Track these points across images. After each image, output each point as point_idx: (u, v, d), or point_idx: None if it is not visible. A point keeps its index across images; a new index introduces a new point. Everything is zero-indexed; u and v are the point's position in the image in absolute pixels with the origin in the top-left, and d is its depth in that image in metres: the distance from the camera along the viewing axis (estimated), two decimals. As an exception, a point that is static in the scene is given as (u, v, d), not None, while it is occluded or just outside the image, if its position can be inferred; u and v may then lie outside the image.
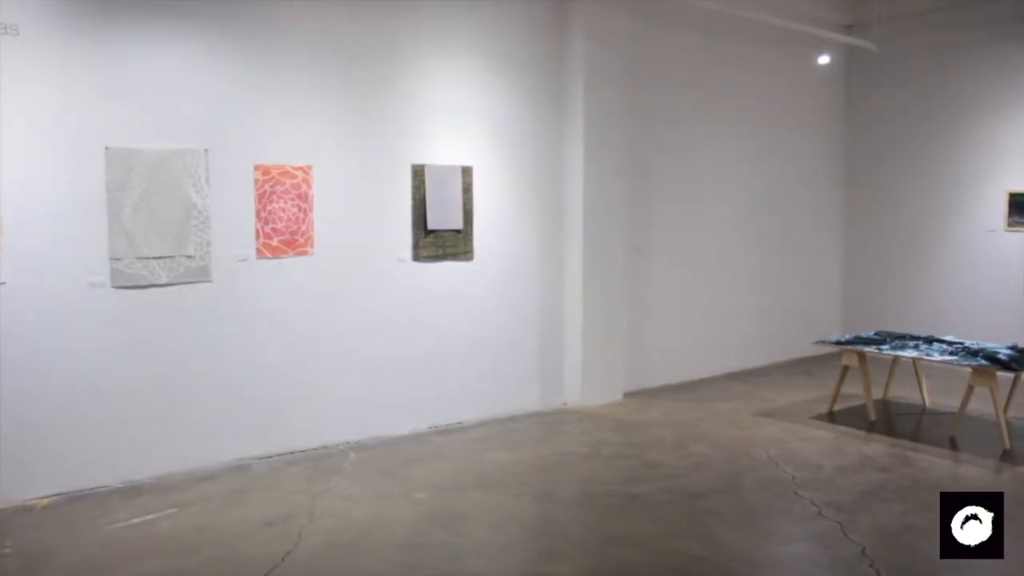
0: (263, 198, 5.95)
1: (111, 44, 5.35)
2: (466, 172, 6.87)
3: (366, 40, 6.34)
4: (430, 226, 6.68)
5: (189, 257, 5.67)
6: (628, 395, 7.85)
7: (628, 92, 7.65)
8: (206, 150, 5.69)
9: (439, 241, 6.76)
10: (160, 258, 5.57)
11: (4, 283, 5.05)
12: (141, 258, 5.49)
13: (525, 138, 7.24)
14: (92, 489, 5.33)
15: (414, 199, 6.62)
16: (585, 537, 4.74)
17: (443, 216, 6.74)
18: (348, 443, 6.32)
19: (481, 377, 7.08)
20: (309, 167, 6.13)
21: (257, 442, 5.98)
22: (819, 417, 7.08)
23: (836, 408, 7.21)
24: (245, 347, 5.93)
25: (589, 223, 7.41)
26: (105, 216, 5.37)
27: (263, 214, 5.95)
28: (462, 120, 6.88)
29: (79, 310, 5.31)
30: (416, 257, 6.66)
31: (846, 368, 7.04)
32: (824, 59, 8.96)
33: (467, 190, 6.88)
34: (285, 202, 6.04)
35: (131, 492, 5.32)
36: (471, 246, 6.94)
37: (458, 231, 6.85)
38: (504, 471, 5.77)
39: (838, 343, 7.35)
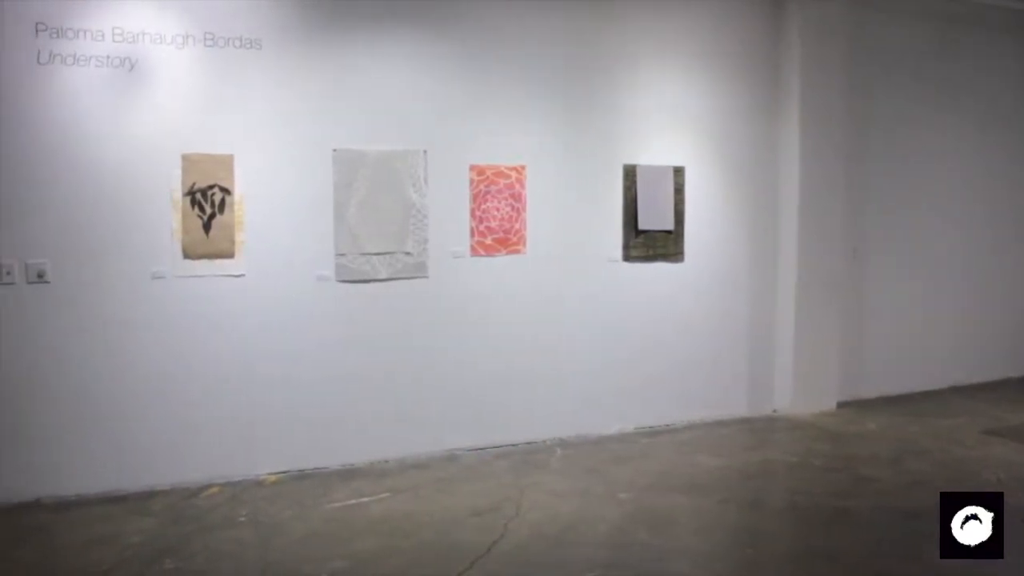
0: (478, 197, 6.12)
1: (339, 54, 5.69)
2: (678, 172, 6.79)
3: (579, 41, 6.40)
4: (641, 226, 6.64)
5: (408, 254, 5.92)
6: (841, 405, 7.48)
7: (847, 87, 7.31)
8: (425, 151, 5.93)
9: (650, 242, 6.71)
10: (381, 254, 5.85)
11: (243, 275, 5.48)
12: (364, 254, 5.79)
13: (738, 137, 7.07)
14: (314, 469, 5.68)
15: (625, 199, 6.61)
16: (790, 549, 4.54)
17: (654, 216, 6.69)
18: (555, 440, 6.40)
19: (689, 380, 6.96)
20: (522, 167, 6.26)
21: (467, 434, 6.16)
22: (1063, 440, 6.46)
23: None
24: (458, 342, 6.12)
25: (804, 224, 7.13)
26: (332, 214, 5.71)
27: (477, 213, 6.12)
28: (674, 120, 6.80)
29: (307, 302, 5.67)
30: (627, 257, 6.65)
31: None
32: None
33: (679, 190, 6.79)
34: (499, 201, 6.19)
35: (348, 475, 5.62)
36: (682, 247, 6.84)
37: (669, 232, 6.77)
38: (710, 476, 5.64)
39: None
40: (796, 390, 7.25)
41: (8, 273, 4.98)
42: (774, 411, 7.33)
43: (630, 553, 4.37)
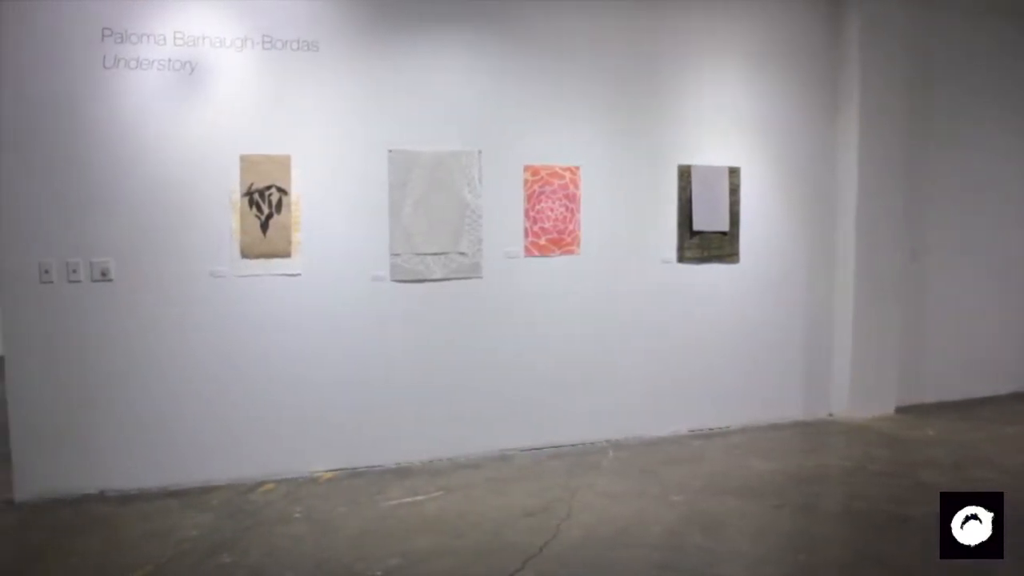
0: (532, 198, 6.12)
1: (395, 55, 5.74)
2: (733, 173, 6.72)
3: (634, 41, 6.37)
4: (696, 227, 6.59)
5: (462, 254, 5.95)
6: (900, 409, 7.34)
7: (907, 85, 7.18)
8: (479, 151, 5.95)
9: (704, 243, 6.65)
10: (435, 254, 5.88)
11: (300, 274, 5.55)
12: (418, 254, 5.83)
13: (795, 137, 6.97)
14: (368, 467, 5.74)
15: (680, 200, 6.56)
16: (847, 556, 4.44)
17: (709, 217, 6.63)
18: (608, 441, 6.38)
19: (743, 382, 6.89)
20: (577, 168, 6.24)
21: (520, 434, 6.17)
22: None
23: None
24: (512, 342, 6.13)
25: (862, 226, 7.01)
26: (387, 214, 5.75)
27: (531, 213, 6.13)
28: (729, 120, 6.73)
29: (362, 301, 5.73)
30: (681, 258, 6.60)
31: None
32: None
33: (734, 191, 6.72)
34: (553, 202, 6.18)
35: (402, 473, 5.66)
36: (737, 248, 6.77)
37: (724, 233, 6.71)
38: (764, 479, 5.57)
39: None
40: (853, 393, 7.12)
41: (74, 271, 5.12)
42: (830, 415, 7.22)
43: (683, 556, 4.33)
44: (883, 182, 7.06)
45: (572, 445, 6.28)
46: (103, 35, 5.10)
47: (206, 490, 5.31)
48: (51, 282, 5.09)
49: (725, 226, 6.70)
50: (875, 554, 4.36)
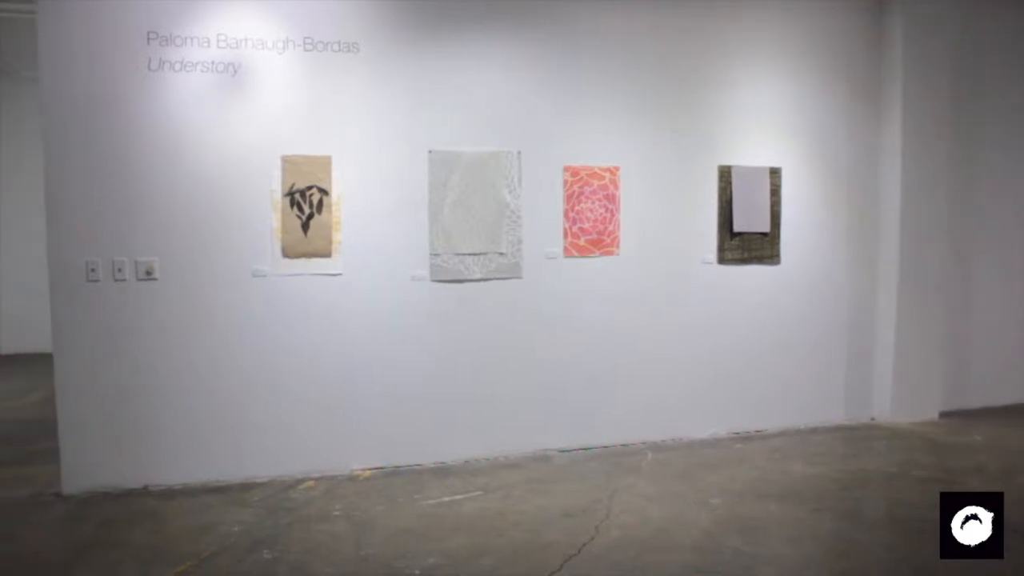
0: (571, 199, 6.12)
1: (434, 56, 5.77)
2: (774, 173, 6.66)
3: (674, 41, 6.34)
4: (736, 228, 6.54)
5: (501, 254, 5.96)
6: (944, 415, 7.22)
7: (953, 85, 7.06)
8: (519, 152, 5.96)
9: (745, 244, 6.60)
10: (474, 255, 5.90)
11: (340, 274, 5.60)
12: (458, 254, 5.85)
13: (837, 138, 6.89)
14: (407, 466, 5.77)
15: (720, 201, 6.51)
16: (889, 563, 4.36)
17: (750, 218, 6.57)
18: (646, 443, 6.35)
19: (784, 385, 6.82)
20: (616, 168, 6.23)
21: (559, 434, 6.17)
22: None
23: None
24: (551, 343, 6.13)
25: (906, 228, 6.91)
26: (427, 214, 5.78)
27: (571, 214, 6.12)
28: (770, 120, 6.67)
29: (402, 301, 5.76)
30: (721, 259, 6.55)
31: None
32: None
33: (775, 192, 6.66)
34: (592, 203, 6.17)
35: (440, 472, 5.68)
36: (778, 249, 6.71)
37: (764, 234, 6.65)
38: (804, 484, 5.50)
39: None
40: (896, 398, 7.02)
41: (120, 270, 5.21)
42: (872, 419, 7.12)
43: (721, 560, 4.29)
44: (928, 185, 6.95)
45: (611, 446, 6.27)
46: (148, 38, 5.19)
47: (247, 487, 5.37)
48: (97, 281, 5.18)
49: (766, 227, 6.64)
50: (918, 562, 4.28)
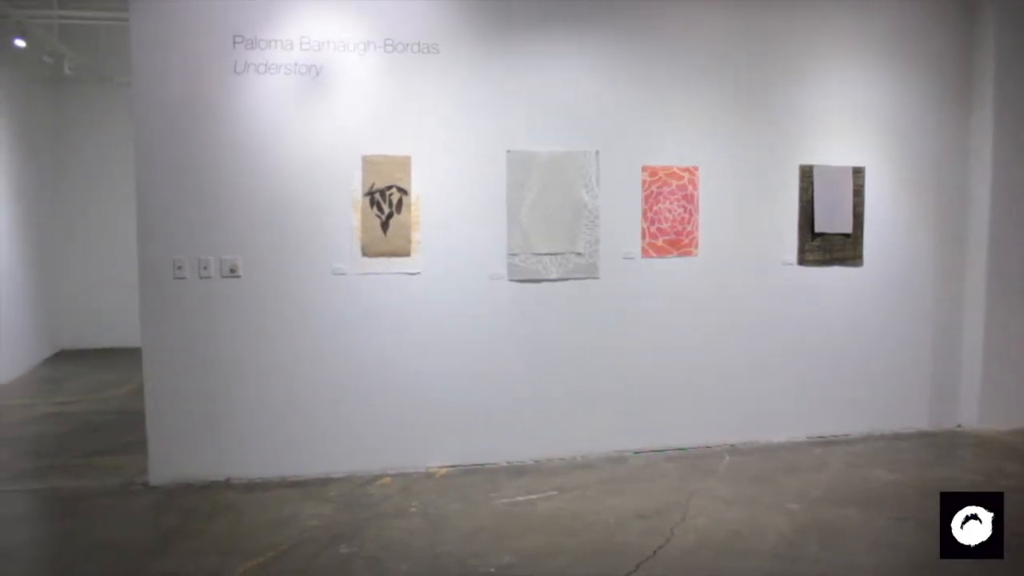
0: (649, 199, 6.07)
1: (513, 56, 5.78)
2: (857, 173, 6.49)
3: (753, 38, 6.24)
4: (817, 229, 6.40)
5: (579, 254, 5.94)
6: (1035, 424, 6.96)
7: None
8: (597, 152, 5.93)
9: (826, 245, 6.45)
10: (552, 255, 5.89)
11: (419, 273, 5.65)
12: (535, 254, 5.85)
13: (923, 136, 6.67)
14: (482, 465, 5.79)
15: (801, 201, 6.38)
16: (970, 574, 4.22)
17: (832, 219, 6.42)
18: (724, 445, 6.26)
19: (866, 390, 6.65)
20: (695, 168, 6.15)
21: (635, 436, 6.12)
22: None
23: None
24: (628, 343, 6.08)
25: (996, 229, 6.66)
26: (504, 214, 5.80)
27: (649, 214, 6.07)
28: (854, 118, 6.50)
29: (480, 301, 5.78)
30: (802, 261, 6.42)
31: None
32: None
33: (858, 192, 6.49)
34: (671, 203, 6.11)
35: (515, 472, 5.69)
36: (861, 251, 6.54)
37: (847, 235, 6.49)
38: (885, 491, 5.35)
39: None
40: (984, 404, 6.77)
41: (205, 268, 5.35)
42: (958, 426, 6.88)
43: (798, 566, 4.21)
44: (1019, 185, 6.67)
45: (688, 448, 6.19)
46: (234, 42, 5.32)
47: (325, 482, 5.46)
48: (184, 278, 5.34)
49: (848, 228, 6.48)
50: (1003, 574, 4.14)
